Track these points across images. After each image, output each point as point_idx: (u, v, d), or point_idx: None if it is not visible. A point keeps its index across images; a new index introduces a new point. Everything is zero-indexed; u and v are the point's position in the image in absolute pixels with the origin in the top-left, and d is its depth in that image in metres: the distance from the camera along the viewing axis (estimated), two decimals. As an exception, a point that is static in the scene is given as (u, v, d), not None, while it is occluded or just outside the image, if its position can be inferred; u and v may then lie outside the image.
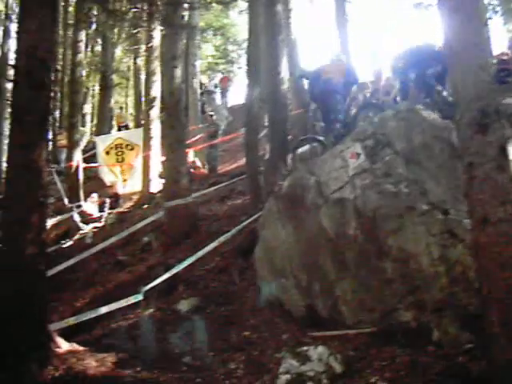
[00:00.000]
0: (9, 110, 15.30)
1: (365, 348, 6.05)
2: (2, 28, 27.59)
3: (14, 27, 22.34)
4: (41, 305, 6.69)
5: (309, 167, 7.94)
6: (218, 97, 25.68)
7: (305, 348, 5.95)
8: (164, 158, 12.96)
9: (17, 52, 6.90)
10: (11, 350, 6.27)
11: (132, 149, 16.64)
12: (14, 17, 23.79)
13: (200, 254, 8.86)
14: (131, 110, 33.11)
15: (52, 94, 7.23)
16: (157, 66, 16.19)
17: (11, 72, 7.27)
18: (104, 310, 7.96)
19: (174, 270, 8.55)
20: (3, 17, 26.26)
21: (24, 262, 6.45)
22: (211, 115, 19.49)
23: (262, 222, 8.39)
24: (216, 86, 26.02)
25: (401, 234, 6.36)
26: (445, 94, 9.06)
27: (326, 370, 5.62)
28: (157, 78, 16.33)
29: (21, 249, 6.44)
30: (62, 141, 20.88)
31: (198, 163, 17.65)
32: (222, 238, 9.16)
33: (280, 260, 7.63)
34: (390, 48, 37.41)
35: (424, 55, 9.67)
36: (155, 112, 16.16)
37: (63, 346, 6.80)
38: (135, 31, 19.20)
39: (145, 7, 11.49)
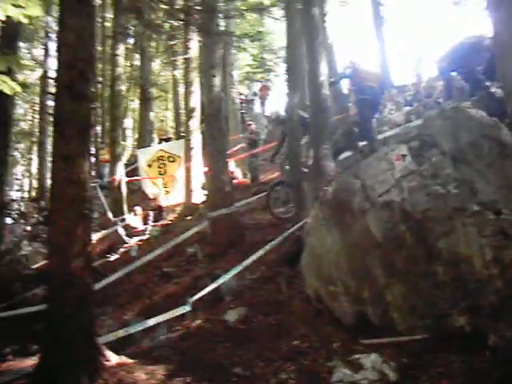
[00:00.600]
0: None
1: (419, 355, 5.88)
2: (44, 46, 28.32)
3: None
4: (89, 318, 6.68)
5: (353, 171, 7.79)
6: (256, 106, 25.71)
7: (357, 356, 5.81)
8: (206, 169, 12.96)
9: (57, 65, 6.98)
10: (62, 363, 6.27)
11: (174, 161, 16.70)
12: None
13: (246, 263, 8.77)
14: (171, 123, 33.39)
15: (92, 106, 7.25)
16: (195, 76, 16.28)
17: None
18: (152, 322, 7.93)
19: (221, 281, 8.48)
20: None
21: (71, 275, 6.46)
22: (250, 124, 19.47)
23: (307, 228, 8.25)
24: (255, 95, 26.04)
25: (451, 237, 6.18)
26: (493, 90, 8.84)
27: (380, 378, 5.48)
28: (195, 89, 16.41)
29: (67, 262, 6.45)
30: (105, 156, 21.15)
31: (239, 173, 17.63)
32: (267, 247, 9.05)
33: (327, 267, 7.46)
34: (433, 49, 37.16)
35: (468, 51, 9.47)
36: (195, 123, 16.21)
37: (112, 358, 6.77)
38: (172, 43, 19.36)
39: (181, 17, 11.50)
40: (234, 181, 15.89)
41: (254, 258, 8.88)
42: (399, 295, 6.51)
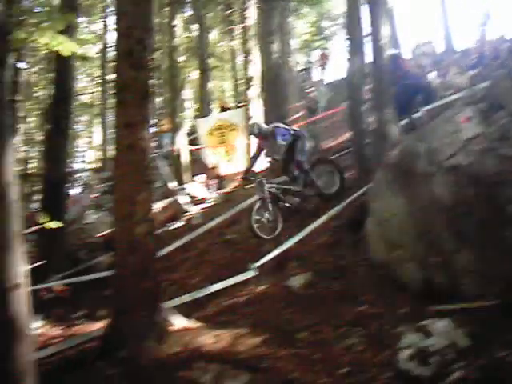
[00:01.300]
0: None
1: (489, 321, 5.69)
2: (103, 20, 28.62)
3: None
4: (154, 283, 6.75)
5: (418, 135, 7.58)
6: (315, 73, 25.37)
7: (425, 322, 5.66)
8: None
9: (116, 34, 7.02)
10: (128, 327, 6.37)
11: (234, 129, 16.63)
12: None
13: (309, 229, 8.69)
14: (230, 93, 33.36)
15: (151, 74, 7.27)
16: (253, 45, 16.11)
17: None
18: (216, 287, 7.95)
19: (285, 246, 8.43)
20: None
21: (135, 241, 6.52)
22: (310, 92, 19.21)
23: (371, 194, 8.10)
24: (311, 63, 25.71)
25: (522, 200, 5.94)
26: None
27: (450, 344, 5.31)
28: (253, 57, 16.25)
29: (131, 228, 6.52)
30: (165, 126, 21.27)
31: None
32: (331, 212, 8.94)
33: (393, 232, 7.31)
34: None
35: None
36: (254, 91, 16.10)
37: (178, 323, 6.85)
38: (230, 11, 19.20)
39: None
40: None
41: (317, 223, 8.79)
42: (468, 261, 6.31)
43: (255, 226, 9.47)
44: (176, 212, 15.16)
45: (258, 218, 9.66)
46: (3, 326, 3.48)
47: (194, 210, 14.82)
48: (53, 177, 12.61)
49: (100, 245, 14.62)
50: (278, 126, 10.68)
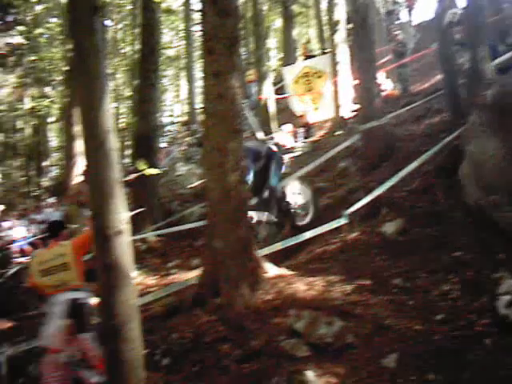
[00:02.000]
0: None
1: None
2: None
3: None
4: (247, 230, 6.81)
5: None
6: (403, 15, 24.54)
7: (524, 267, 5.47)
8: (355, 82, 12.61)
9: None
10: (223, 275, 6.49)
11: (320, 76, 16.37)
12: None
13: (401, 174, 8.49)
14: (315, 40, 32.79)
15: (238, 21, 7.18)
16: (337, -13, 15.75)
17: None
18: (308, 234, 7.93)
19: (376, 193, 8.29)
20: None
21: (227, 190, 6.58)
22: (397, 35, 18.63)
23: (466, 136, 7.80)
24: (396, 4, 24.85)
25: None
26: None
27: (554, 289, 5.13)
28: (338, 0, 15.89)
29: (223, 176, 6.57)
30: (251, 76, 21.23)
31: (388, 85, 17.04)
32: (423, 157, 8.68)
33: (489, 175, 7.01)
34: None
35: None
36: (340, 36, 15.77)
37: (271, 271, 6.91)
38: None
39: None
40: (384, 93, 15.38)
41: (409, 169, 8.57)
42: None
43: None
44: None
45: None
46: (107, 270, 3.60)
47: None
48: (144, 130, 12.85)
49: (191, 196, 14.90)
50: (248, 148, 9.42)
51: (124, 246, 3.65)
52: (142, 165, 7.86)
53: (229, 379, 5.49)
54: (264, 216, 9.24)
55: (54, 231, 7.06)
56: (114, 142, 3.71)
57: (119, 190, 3.67)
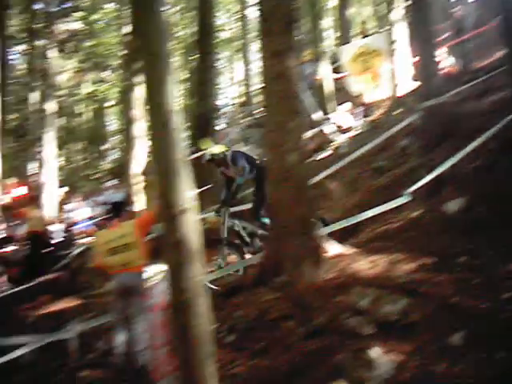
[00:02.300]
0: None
1: None
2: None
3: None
4: (308, 209, 6.81)
5: None
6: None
7: None
8: (414, 60, 12.40)
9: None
10: (286, 253, 6.53)
11: (377, 55, 16.14)
12: None
13: (463, 152, 8.32)
14: (371, 18, 32.33)
15: (295, 1, 7.14)
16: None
17: None
18: (369, 213, 7.86)
19: (438, 171, 8.14)
20: None
21: (287, 169, 6.60)
22: (457, 11, 18.18)
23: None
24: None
25: None
26: None
27: None
28: (396, -23, 15.65)
29: (283, 156, 6.59)
30: (307, 56, 21.11)
31: (449, 62, 16.68)
32: (486, 134, 8.47)
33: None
34: None
35: None
36: (397, 13, 15.51)
37: (333, 249, 6.91)
38: None
39: None
40: (444, 70, 15.06)
41: (471, 146, 8.38)
42: None
43: None
44: (322, 142, 15.16)
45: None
46: (174, 248, 3.68)
47: (341, 139, 14.71)
48: (202, 112, 12.97)
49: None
50: (238, 151, 9.17)
51: (191, 223, 3.71)
52: (205, 143, 7.93)
53: (293, 356, 5.53)
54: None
55: (116, 212, 7.23)
56: (178, 121, 3.76)
57: (184, 169, 3.73)
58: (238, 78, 38.90)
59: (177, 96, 3.85)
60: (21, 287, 11.83)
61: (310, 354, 5.50)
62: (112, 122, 38.24)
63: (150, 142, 3.67)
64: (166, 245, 3.81)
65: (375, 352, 5.01)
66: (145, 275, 7.07)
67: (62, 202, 18.93)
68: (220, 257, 8.61)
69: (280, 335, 5.79)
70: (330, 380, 5.03)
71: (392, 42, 15.48)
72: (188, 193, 3.74)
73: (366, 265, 6.45)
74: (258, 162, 8.93)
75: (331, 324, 5.73)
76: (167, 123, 3.70)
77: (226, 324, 6.44)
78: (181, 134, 3.79)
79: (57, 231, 14.85)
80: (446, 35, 17.82)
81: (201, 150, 7.30)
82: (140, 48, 4.14)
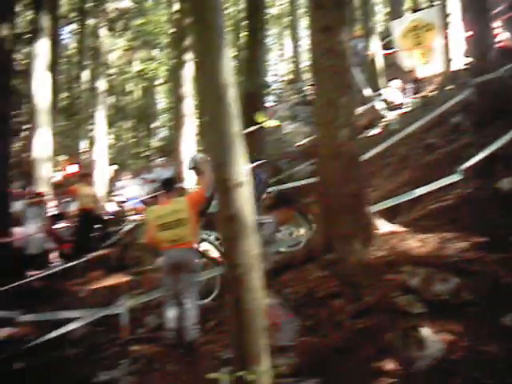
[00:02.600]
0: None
1: None
2: None
3: None
4: (358, 187, 6.75)
5: None
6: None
7: None
8: (467, 34, 12.06)
9: None
10: (336, 231, 6.50)
11: (429, 29, 15.74)
12: None
13: (517, 128, 8.08)
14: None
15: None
16: None
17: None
18: (419, 191, 7.74)
19: (491, 148, 7.94)
20: None
21: (337, 146, 6.54)
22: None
23: None
24: None
25: None
26: None
27: None
28: None
29: (333, 133, 6.53)
30: (358, 31, 20.80)
31: (505, 36, 16.20)
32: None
33: None
34: None
35: None
36: (451, -14, 15.10)
37: (383, 227, 6.84)
38: None
39: None
40: (499, 44, 14.63)
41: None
42: None
43: None
44: (372, 118, 14.97)
45: None
46: (229, 221, 3.69)
47: (391, 115, 14.50)
48: (251, 88, 12.92)
49: (298, 154, 14.90)
50: None
51: (245, 197, 3.71)
52: (260, 117, 7.92)
53: (342, 334, 5.52)
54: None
55: (167, 188, 7.32)
56: (233, 94, 3.75)
57: (239, 143, 3.73)
58: (286, 55, 38.66)
59: (231, 69, 3.82)
60: (72, 263, 12.13)
61: (359, 332, 5.48)
62: (161, 101, 38.54)
63: (202, 117, 3.64)
64: (220, 219, 3.83)
65: (425, 331, 4.95)
66: (195, 251, 7.18)
67: (112, 180, 19.20)
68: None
69: (329, 313, 5.79)
70: (379, 359, 5.01)
71: (446, 16, 15.09)
72: (243, 167, 3.73)
73: (417, 243, 6.37)
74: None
75: (381, 302, 5.68)
76: (223, 97, 3.69)
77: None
78: (235, 107, 3.78)
79: (107, 208, 15.11)
80: (501, 8, 17.31)
81: (256, 124, 7.27)
82: (194, 21, 4.12)
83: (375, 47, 17.16)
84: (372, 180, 9.86)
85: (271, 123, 8.11)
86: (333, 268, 6.45)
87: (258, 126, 7.36)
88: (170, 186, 7.43)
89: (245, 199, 3.71)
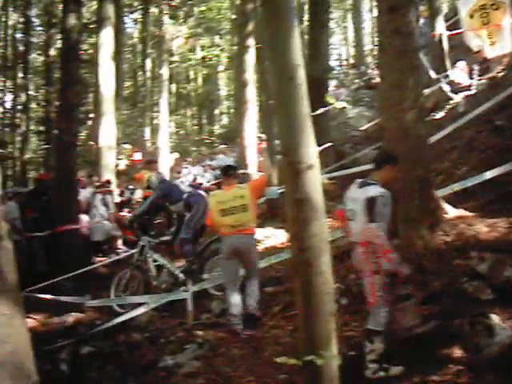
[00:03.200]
0: None
1: None
2: None
3: None
4: (426, 170, 6.62)
5: None
6: None
7: None
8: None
9: None
10: (403, 215, 6.40)
11: (498, 8, 15.24)
12: None
13: None
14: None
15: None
16: None
17: None
18: (488, 175, 7.50)
19: None
20: None
21: (404, 128, 6.42)
22: None
23: None
24: None
25: None
26: None
27: None
28: None
29: (400, 115, 6.41)
30: (423, 12, 20.34)
31: None
32: None
33: None
34: None
35: None
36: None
37: (451, 212, 6.70)
38: None
39: None
40: None
41: None
42: None
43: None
44: (439, 101, 14.63)
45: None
46: (298, 205, 3.66)
47: (458, 97, 14.13)
48: (314, 72, 12.80)
49: (362, 138, 14.73)
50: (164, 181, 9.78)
51: (315, 180, 3.68)
52: (330, 98, 7.86)
53: (410, 320, 5.45)
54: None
55: (228, 174, 7.39)
56: (302, 76, 3.71)
57: (309, 125, 3.69)
58: (349, 38, 38.25)
59: (300, 50, 3.78)
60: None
61: (428, 317, 5.41)
62: (222, 88, 38.72)
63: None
64: (290, 202, 3.80)
65: (493, 318, 4.83)
66: (256, 237, 7.21)
67: (174, 167, 19.42)
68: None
69: (396, 299, 5.70)
70: (446, 346, 4.93)
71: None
72: (313, 149, 3.70)
73: (485, 228, 6.23)
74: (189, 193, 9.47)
75: (448, 288, 5.61)
76: (293, 78, 3.65)
77: (340, 287, 6.43)
78: (305, 89, 3.74)
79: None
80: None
81: (321, 108, 7.22)
82: (264, 2, 4.09)
83: (441, 28, 16.73)
84: (439, 164, 9.62)
85: (339, 105, 8.06)
86: (400, 253, 6.35)
87: (323, 110, 7.27)
88: (232, 172, 7.49)
89: (315, 182, 3.68)
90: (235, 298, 6.99)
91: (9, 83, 29.23)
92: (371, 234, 4.93)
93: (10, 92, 29.38)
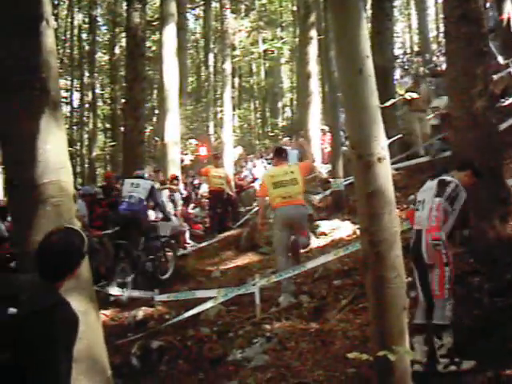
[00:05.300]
0: None
1: None
2: None
3: None
4: (496, 159, 6.43)
5: None
6: None
7: None
8: None
9: None
10: (472, 207, 6.23)
11: None
12: None
13: None
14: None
15: None
16: None
17: None
18: None
19: None
20: None
21: (473, 115, 6.25)
22: None
23: None
24: None
25: None
26: None
27: None
28: None
29: (468, 102, 6.24)
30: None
31: None
32: None
33: None
34: None
35: None
36: None
37: (523, 201, 6.50)
38: None
39: None
40: None
41: None
42: None
43: None
44: (508, 87, 14.18)
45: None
46: (370, 198, 3.63)
47: (528, 83, 13.65)
48: (379, 61, 12.60)
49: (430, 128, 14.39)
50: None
51: (386, 172, 3.64)
52: (402, 88, 7.71)
53: (481, 313, 5.33)
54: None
55: (279, 155, 8.11)
56: (371, 67, 3.65)
57: (379, 117, 3.64)
58: (413, 25, 37.49)
59: (369, 41, 3.72)
60: (204, 244, 12.49)
61: (500, 310, 5.27)
62: (284, 80, 38.58)
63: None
64: (360, 195, 3.76)
65: None
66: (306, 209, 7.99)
67: (238, 161, 19.49)
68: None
69: (466, 291, 5.58)
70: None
71: None
72: (383, 141, 3.65)
73: None
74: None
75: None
76: (363, 70, 3.60)
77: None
78: (374, 80, 3.68)
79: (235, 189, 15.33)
80: None
81: (388, 99, 7.10)
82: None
83: (509, 11, 16.21)
84: (509, 151, 9.33)
85: (412, 95, 7.88)
86: (470, 245, 6.22)
87: (393, 101, 7.14)
88: (283, 153, 8.16)
89: (386, 175, 3.64)
90: (284, 262, 7.66)
91: (76, 82, 29.96)
92: (434, 207, 4.86)
93: (77, 91, 30.12)
